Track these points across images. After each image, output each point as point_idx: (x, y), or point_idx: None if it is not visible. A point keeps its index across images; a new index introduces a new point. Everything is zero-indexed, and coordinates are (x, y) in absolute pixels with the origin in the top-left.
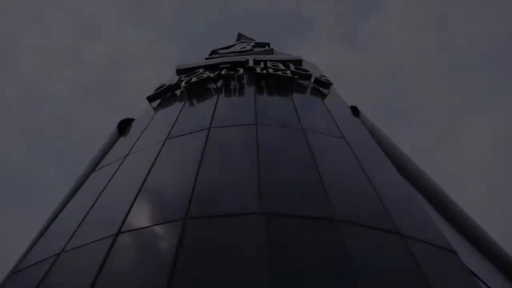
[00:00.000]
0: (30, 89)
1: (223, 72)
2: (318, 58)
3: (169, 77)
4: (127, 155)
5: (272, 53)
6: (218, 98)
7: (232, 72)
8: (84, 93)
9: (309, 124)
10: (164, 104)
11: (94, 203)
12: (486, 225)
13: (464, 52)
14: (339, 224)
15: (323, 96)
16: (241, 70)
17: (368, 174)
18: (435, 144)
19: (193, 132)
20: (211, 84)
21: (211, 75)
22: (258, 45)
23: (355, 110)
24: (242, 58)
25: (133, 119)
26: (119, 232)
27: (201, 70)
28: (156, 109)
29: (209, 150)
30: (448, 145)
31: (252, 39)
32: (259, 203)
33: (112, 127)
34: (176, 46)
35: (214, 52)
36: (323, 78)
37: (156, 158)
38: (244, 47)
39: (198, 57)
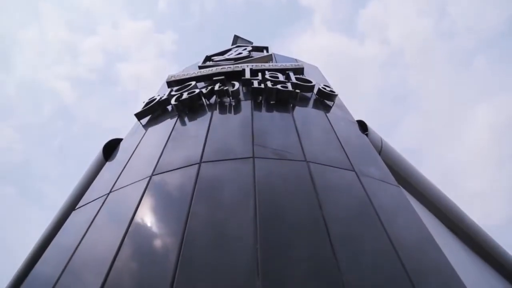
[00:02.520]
0: (29, 86)
1: (216, 87)
2: (316, 46)
3: (160, 88)
4: (109, 193)
5: (271, 59)
6: (211, 120)
7: (226, 87)
8: (83, 89)
9: (313, 153)
10: (153, 122)
11: (66, 266)
12: (487, 218)
13: (464, 39)
14: None
15: (327, 109)
16: (236, 85)
17: (384, 224)
18: (436, 132)
19: (182, 167)
20: (203, 100)
21: (204, 90)
22: (256, 49)
23: (362, 124)
24: (238, 67)
25: (121, 139)
26: None
27: (193, 83)
28: (145, 127)
29: (198, 197)
30: (448, 133)
31: (249, 42)
32: (256, 284)
33: (112, 124)
34: (174, 38)
35: (208, 58)
36: (327, 89)
37: (138, 205)
38: (240, 53)
39: (196, 51)
